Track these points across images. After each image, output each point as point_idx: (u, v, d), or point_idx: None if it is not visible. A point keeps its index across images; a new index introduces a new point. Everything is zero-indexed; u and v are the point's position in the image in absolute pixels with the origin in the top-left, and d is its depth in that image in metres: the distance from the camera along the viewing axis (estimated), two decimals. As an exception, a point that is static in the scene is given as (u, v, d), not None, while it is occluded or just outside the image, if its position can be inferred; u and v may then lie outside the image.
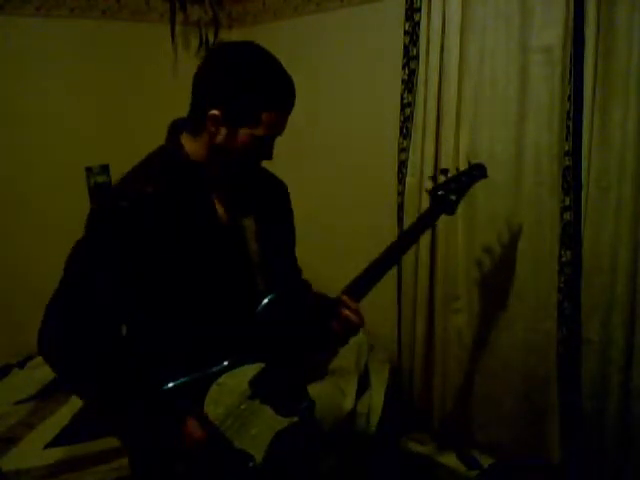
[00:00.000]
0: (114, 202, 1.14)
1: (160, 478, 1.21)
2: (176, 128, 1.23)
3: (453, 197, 1.51)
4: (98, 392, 1.15)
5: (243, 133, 1.14)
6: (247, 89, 1.12)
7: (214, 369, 1.19)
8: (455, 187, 1.53)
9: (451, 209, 1.52)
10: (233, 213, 1.25)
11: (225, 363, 1.20)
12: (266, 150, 1.21)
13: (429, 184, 1.54)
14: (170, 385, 1.15)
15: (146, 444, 1.18)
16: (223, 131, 1.14)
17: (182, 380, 1.16)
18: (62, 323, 1.11)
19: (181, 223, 1.15)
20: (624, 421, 1.86)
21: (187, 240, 1.16)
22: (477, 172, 1.62)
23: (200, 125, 1.17)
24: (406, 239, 1.46)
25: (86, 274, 1.12)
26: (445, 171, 1.55)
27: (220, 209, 1.23)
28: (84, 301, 1.11)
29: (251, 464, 1.16)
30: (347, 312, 1.23)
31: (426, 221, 1.51)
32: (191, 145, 1.19)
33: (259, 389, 1.21)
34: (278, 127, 1.18)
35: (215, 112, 1.12)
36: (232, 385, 1.19)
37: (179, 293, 1.17)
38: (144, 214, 1.12)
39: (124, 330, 1.22)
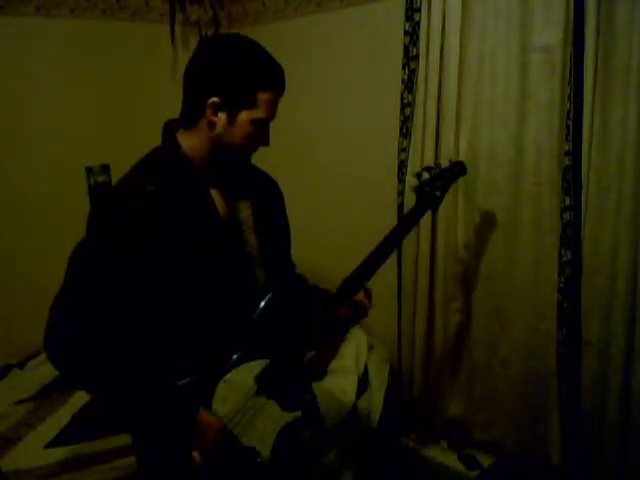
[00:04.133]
0: (118, 202, 1.14)
1: (167, 476, 1.22)
2: (170, 127, 1.24)
3: (438, 193, 1.56)
4: (111, 390, 1.15)
5: (242, 117, 1.17)
6: (241, 71, 1.16)
7: (225, 364, 1.20)
8: (439, 184, 1.57)
9: (436, 205, 1.58)
10: (231, 207, 1.27)
11: (234, 357, 1.21)
12: (263, 136, 1.23)
13: (414, 181, 1.56)
14: (183, 382, 1.16)
15: (159, 440, 1.19)
16: (223, 118, 1.17)
17: (194, 377, 1.17)
18: (74, 325, 1.10)
19: (184, 220, 1.17)
20: (624, 421, 1.86)
21: (190, 236, 1.17)
22: (458, 169, 1.70)
23: (196, 117, 1.19)
24: (394, 237, 1.46)
25: (97, 274, 1.11)
26: (429, 169, 1.59)
27: (219, 204, 1.24)
28: (96, 302, 1.11)
29: (258, 459, 1.17)
30: (344, 311, 1.30)
31: (414, 218, 1.55)
32: (187, 140, 1.21)
33: (264, 385, 1.22)
34: (273, 109, 1.21)
35: (214, 99, 1.15)
36: (238, 382, 1.20)
37: (182, 289, 1.17)
38: (148, 213, 1.13)
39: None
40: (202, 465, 1.13)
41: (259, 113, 1.17)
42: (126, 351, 1.14)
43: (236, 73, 1.15)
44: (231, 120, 1.17)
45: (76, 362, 1.12)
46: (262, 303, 1.25)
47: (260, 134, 1.22)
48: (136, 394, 1.13)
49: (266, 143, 1.25)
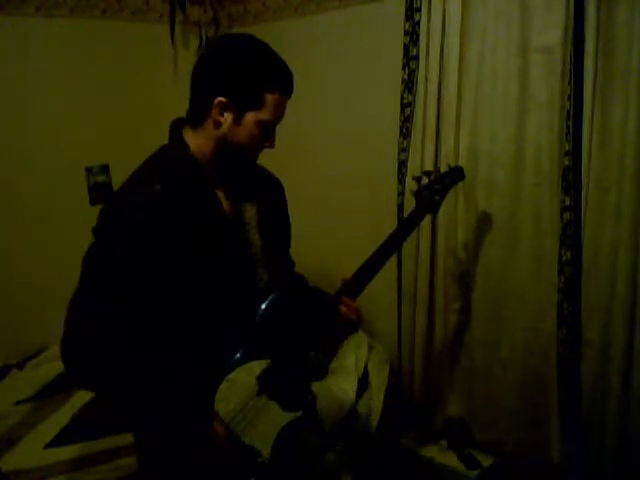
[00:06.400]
0: (128, 200, 1.14)
1: (169, 476, 1.22)
2: (177, 126, 1.24)
3: (437, 197, 1.58)
4: (122, 389, 1.14)
5: (249, 118, 1.17)
6: (250, 72, 1.16)
7: (228, 363, 1.21)
8: (438, 188, 1.59)
9: (435, 209, 1.61)
10: (236, 207, 1.27)
11: (236, 356, 1.22)
12: (269, 138, 1.23)
13: (413, 185, 1.58)
14: (185, 380, 1.16)
15: (164, 438, 1.18)
16: (229, 118, 1.17)
17: (197, 376, 1.17)
18: (95, 327, 1.10)
19: (191, 219, 1.17)
20: (624, 421, 1.85)
21: (198, 235, 1.17)
22: (457, 174, 1.74)
23: (203, 116, 1.19)
24: (394, 240, 1.48)
25: (108, 275, 1.11)
26: (428, 173, 1.61)
27: (224, 204, 1.24)
28: (115, 303, 1.11)
29: (259, 459, 1.18)
30: (346, 310, 1.31)
31: (413, 221, 1.56)
32: (193, 139, 1.21)
33: (266, 385, 1.22)
34: (280, 111, 1.21)
35: (221, 99, 1.15)
36: (241, 381, 1.21)
37: (187, 288, 1.17)
38: (157, 211, 1.13)
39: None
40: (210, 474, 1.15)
41: (265, 115, 1.17)
42: (138, 349, 1.14)
43: (243, 73, 1.16)
44: (237, 120, 1.17)
45: (92, 361, 1.11)
46: (264, 304, 1.25)
47: (265, 136, 1.21)
48: (145, 392, 1.13)
49: (271, 145, 1.24)
